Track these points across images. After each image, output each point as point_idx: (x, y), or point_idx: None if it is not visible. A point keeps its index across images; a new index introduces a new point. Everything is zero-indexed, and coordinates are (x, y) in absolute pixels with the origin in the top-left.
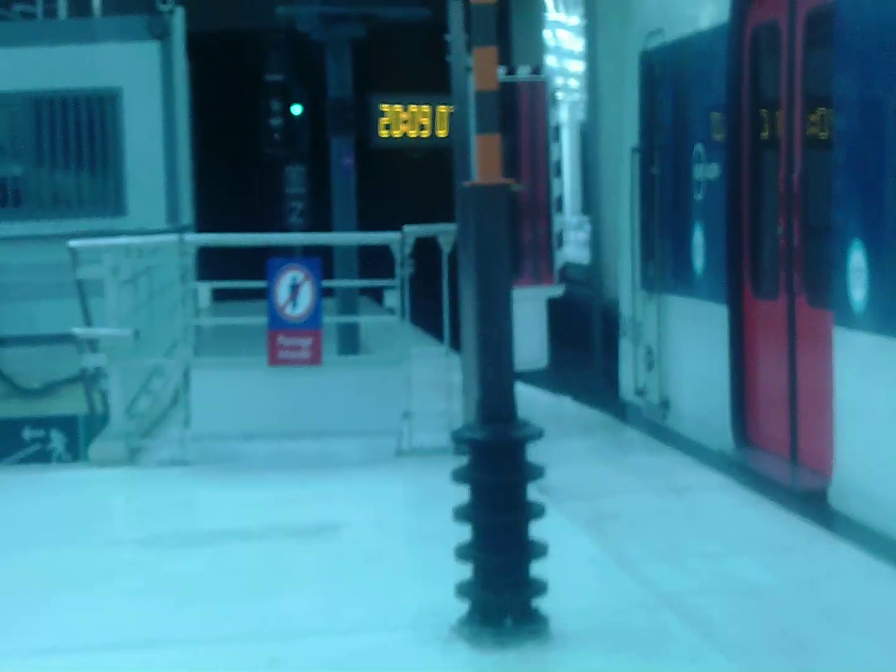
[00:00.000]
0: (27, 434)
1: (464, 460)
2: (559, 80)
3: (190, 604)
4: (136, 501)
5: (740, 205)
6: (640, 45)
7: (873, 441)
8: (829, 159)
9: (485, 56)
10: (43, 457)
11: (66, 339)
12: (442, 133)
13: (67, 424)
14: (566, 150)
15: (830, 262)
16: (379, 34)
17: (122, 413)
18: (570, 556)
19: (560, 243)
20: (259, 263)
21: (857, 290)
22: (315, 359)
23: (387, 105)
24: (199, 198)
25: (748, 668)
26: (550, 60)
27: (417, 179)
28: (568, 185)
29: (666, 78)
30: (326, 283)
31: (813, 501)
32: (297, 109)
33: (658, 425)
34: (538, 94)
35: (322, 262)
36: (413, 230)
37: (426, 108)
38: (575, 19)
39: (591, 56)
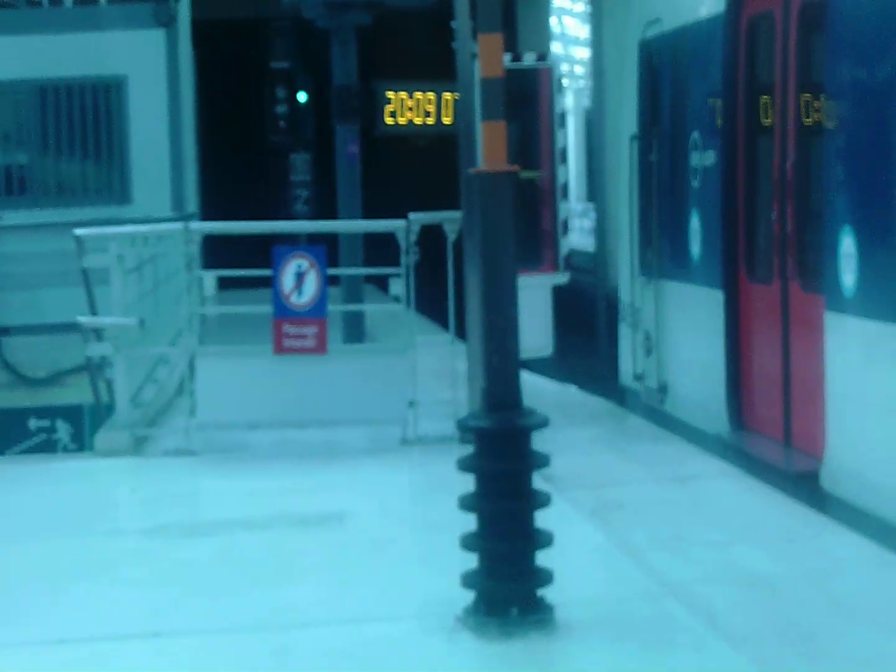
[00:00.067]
0: (33, 424)
1: (469, 449)
2: (564, 67)
3: (195, 593)
4: (141, 491)
5: (736, 192)
6: (640, 34)
7: (863, 424)
8: (821, 147)
9: (490, 43)
10: (48, 446)
11: (72, 328)
12: (447, 120)
13: (73, 414)
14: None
15: (822, 248)
16: (384, 21)
17: (128, 402)
18: (575, 545)
19: (565, 231)
20: (264, 251)
21: (848, 275)
22: (320, 347)
23: (392, 92)
24: (205, 185)
25: (753, 657)
26: (556, 47)
27: (423, 167)
28: (573, 172)
29: (664, 67)
30: (331, 271)
31: (805, 483)
32: (302, 97)
33: (656, 410)
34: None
35: (327, 249)
36: (418, 217)
37: (431, 95)
38: (580, 6)
39: (597, 43)
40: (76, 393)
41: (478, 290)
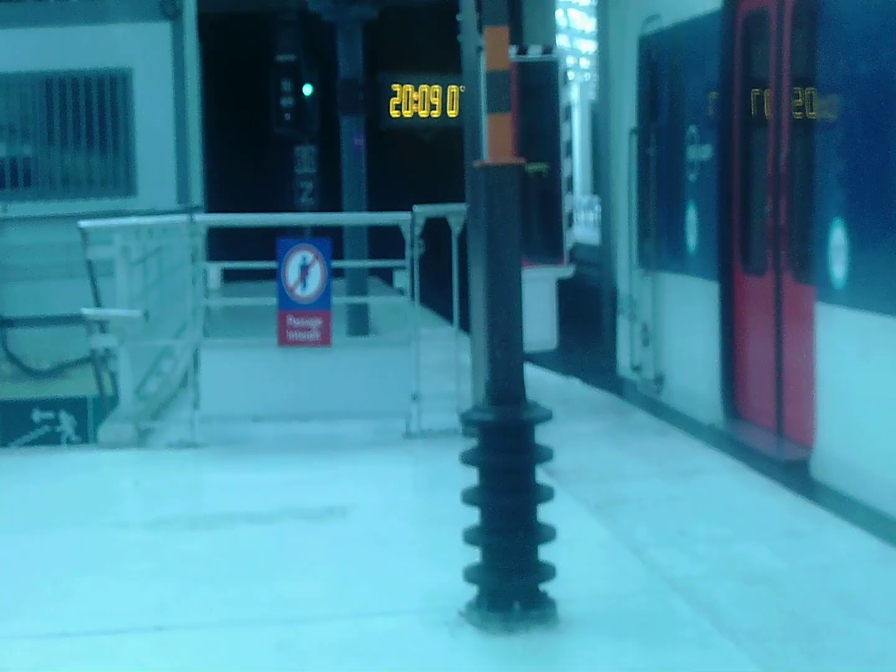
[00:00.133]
0: (36, 416)
1: (473, 442)
2: (570, 60)
3: (198, 586)
4: (144, 484)
5: (731, 185)
6: (639, 29)
7: (852, 414)
8: (813, 141)
9: (496, 36)
10: (52, 439)
11: (76, 320)
12: (453, 113)
13: (77, 406)
14: (577, 130)
15: (813, 240)
16: (390, 14)
17: (132, 395)
18: (578, 540)
19: (570, 224)
20: (269, 244)
21: (838, 266)
22: (324, 339)
23: (398, 85)
24: (210, 178)
25: (757, 653)
26: (562, 40)
27: (428, 159)
28: (578, 164)
29: (662, 62)
30: (336, 264)
31: (795, 472)
32: (307, 90)
33: (653, 400)
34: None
35: (332, 242)
36: (423, 210)
37: (437, 88)
38: None
39: (602, 36)
40: (80, 385)
41: (482, 284)
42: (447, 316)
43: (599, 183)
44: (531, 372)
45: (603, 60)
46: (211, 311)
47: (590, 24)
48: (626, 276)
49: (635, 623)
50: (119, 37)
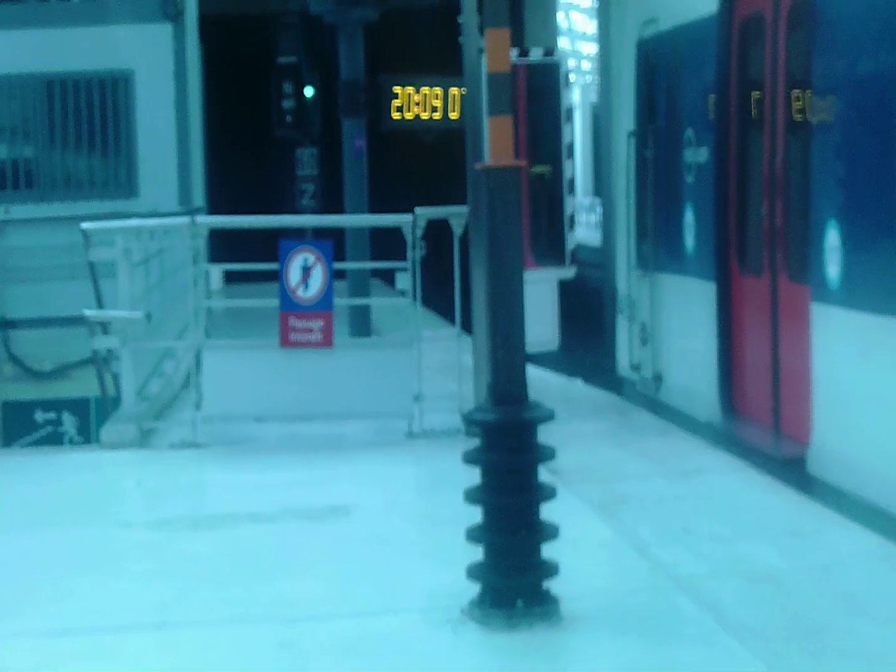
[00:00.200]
0: (39, 416)
1: (475, 442)
2: (572, 63)
3: (200, 586)
4: (147, 484)
5: (728, 187)
6: (637, 33)
7: (847, 410)
8: (808, 144)
9: (497, 38)
10: (55, 439)
11: (78, 321)
12: (454, 115)
13: (79, 407)
14: (578, 132)
15: (808, 241)
16: (391, 16)
17: (134, 395)
18: (581, 539)
19: (572, 225)
20: (271, 245)
21: (832, 267)
22: (326, 341)
23: (399, 87)
24: (211, 180)
25: (760, 652)
26: (563, 42)
27: (429, 161)
28: (580, 167)
29: (660, 65)
30: (338, 265)
31: (792, 468)
32: (309, 91)
33: (651, 399)
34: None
35: (333, 244)
36: (425, 212)
37: (438, 90)
38: (587, 1)
39: (604, 38)
40: (82, 386)
41: (484, 285)
42: (449, 317)
43: (601, 185)
44: (533, 372)
45: (604, 63)
46: (213, 312)
47: (591, 27)
48: (625, 276)
49: (638, 621)
50: (120, 38)
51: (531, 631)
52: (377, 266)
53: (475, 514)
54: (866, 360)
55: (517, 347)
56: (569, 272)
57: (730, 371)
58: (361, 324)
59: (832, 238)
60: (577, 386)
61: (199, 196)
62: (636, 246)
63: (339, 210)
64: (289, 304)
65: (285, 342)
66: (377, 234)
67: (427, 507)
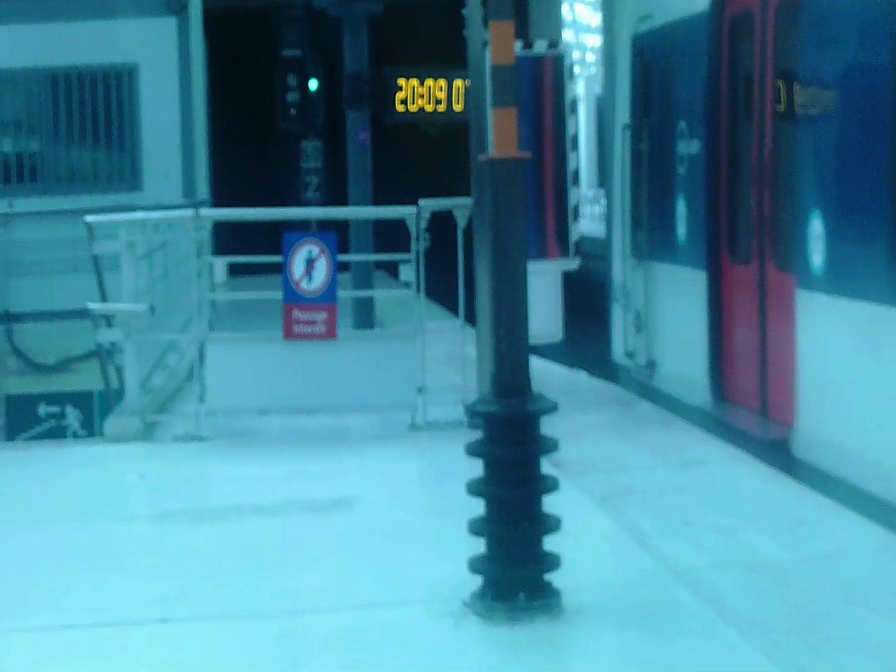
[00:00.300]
0: (42, 410)
1: (478, 434)
2: (576, 55)
3: (203, 579)
4: (150, 477)
5: (718, 178)
6: (632, 28)
7: (829, 393)
8: (794, 135)
9: (501, 30)
10: (58, 433)
11: (82, 314)
12: (458, 107)
13: (83, 400)
14: (583, 124)
15: (794, 230)
16: (395, 9)
17: (137, 388)
18: (583, 531)
19: (576, 217)
20: (274, 238)
21: (816, 254)
22: (330, 333)
23: (403, 79)
24: (215, 173)
25: (762, 643)
26: (568, 35)
27: (433, 154)
28: (584, 158)
29: (654, 60)
30: (342, 258)
31: (778, 450)
32: (313, 84)
33: (645, 385)
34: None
35: (337, 236)
36: (428, 204)
37: (442, 83)
38: None
39: (608, 31)
40: (86, 379)
41: (487, 277)
42: (453, 309)
43: (605, 176)
44: (537, 364)
45: (608, 55)
46: (216, 305)
47: (595, 19)
48: (621, 265)
49: (640, 613)
50: (124, 32)
51: (533, 624)
52: (381, 258)
53: (478, 506)
54: (848, 345)
55: (520, 339)
56: (573, 263)
57: (720, 357)
58: (365, 316)
59: (816, 226)
60: (581, 378)
61: (203, 189)
62: (631, 236)
63: (343, 202)
64: (292, 297)
65: (289, 334)
66: (381, 226)
67: (430, 500)
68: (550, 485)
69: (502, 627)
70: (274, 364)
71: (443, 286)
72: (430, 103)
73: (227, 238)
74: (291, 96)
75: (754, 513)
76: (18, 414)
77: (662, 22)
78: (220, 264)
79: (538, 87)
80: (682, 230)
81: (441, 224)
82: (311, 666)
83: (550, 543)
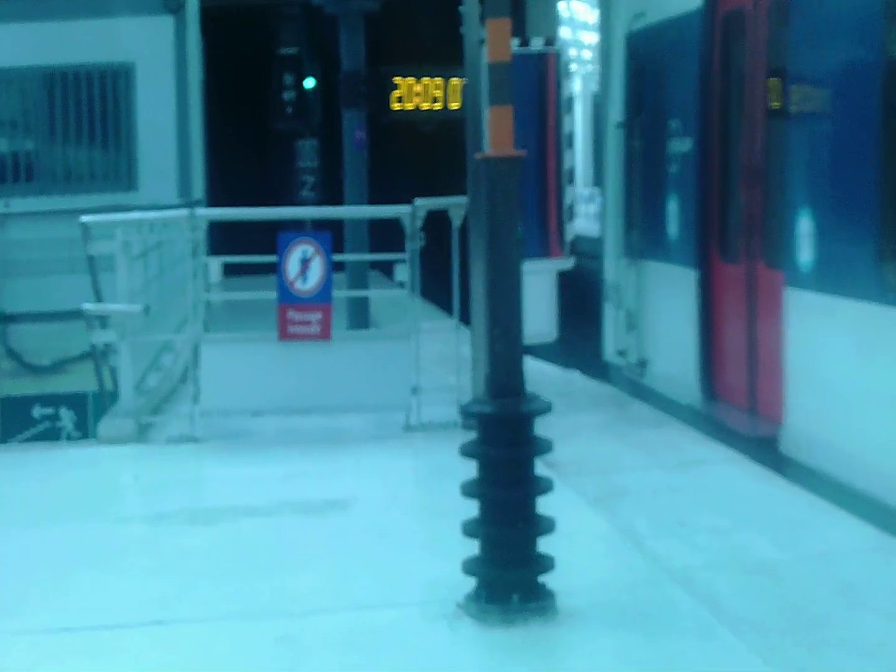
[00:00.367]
0: (37, 412)
1: (472, 435)
2: (573, 52)
3: (199, 581)
4: (145, 478)
5: (709, 176)
6: (626, 26)
7: (816, 391)
8: (783, 134)
9: (498, 27)
10: (52, 434)
11: (77, 315)
12: (455, 105)
13: (77, 402)
14: (579, 122)
15: (782, 228)
16: (392, 6)
17: (132, 390)
18: (577, 532)
19: (571, 216)
20: (270, 238)
21: (803, 253)
22: (325, 333)
23: (400, 78)
24: (211, 172)
25: (757, 644)
26: (564, 32)
27: (430, 152)
28: (580, 157)
29: (647, 58)
30: (337, 258)
31: (766, 447)
32: (309, 83)
33: (637, 383)
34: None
35: (332, 235)
36: (424, 203)
37: (439, 81)
38: None
39: (604, 28)
40: (80, 380)
41: (482, 276)
42: (447, 309)
43: (601, 175)
44: (531, 364)
45: (605, 52)
46: (212, 305)
47: (592, 16)
48: (612, 264)
49: (635, 614)
50: (121, 31)
51: (527, 626)
52: (376, 258)
53: (473, 507)
54: (835, 342)
55: (515, 339)
56: (568, 263)
57: (710, 355)
58: (360, 316)
59: (803, 225)
60: (575, 378)
61: (198, 189)
62: (623, 234)
63: (339, 202)
64: (287, 297)
65: (284, 335)
66: (376, 225)
67: (425, 500)
68: (545, 486)
69: (496, 629)
70: (269, 365)
71: (438, 286)
72: (426, 101)
73: (223, 238)
74: (288, 95)
75: (749, 513)
76: (13, 416)
77: (655, 20)
78: (216, 264)
79: (537, 84)
80: (673, 229)
81: (436, 223)
82: (307, 667)
83: (545, 545)
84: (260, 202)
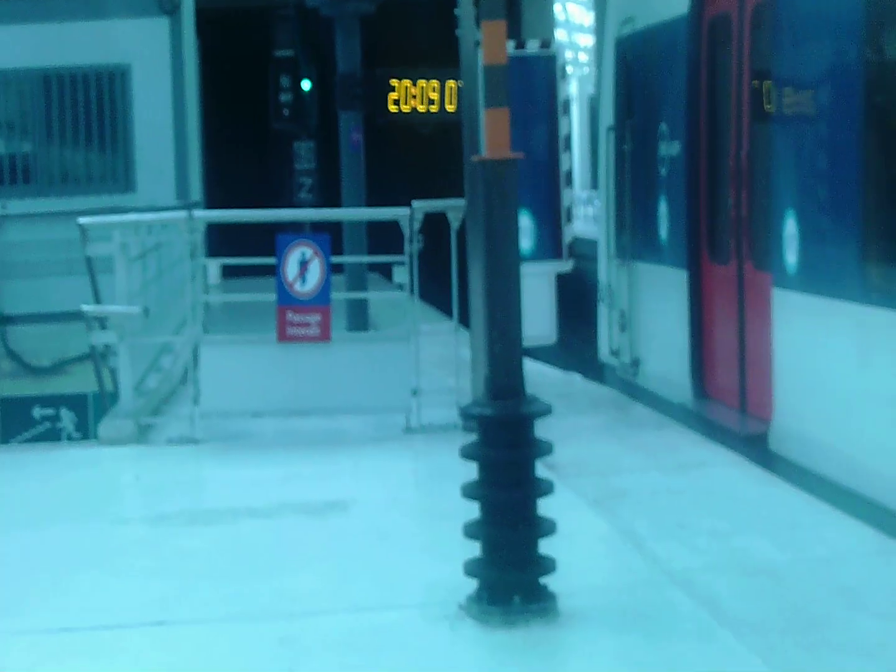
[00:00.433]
0: (37, 412)
1: (472, 437)
2: (569, 55)
3: (199, 582)
4: (144, 479)
5: (698, 179)
6: (616, 31)
7: (803, 388)
8: (769, 137)
9: (494, 30)
10: (53, 435)
11: (76, 316)
12: (451, 107)
13: (77, 403)
14: (576, 125)
15: (769, 230)
16: (388, 9)
17: (132, 391)
18: (578, 534)
19: (569, 218)
20: (268, 240)
21: (791, 254)
22: (324, 335)
23: (396, 80)
24: (209, 174)
25: (758, 646)
26: (560, 34)
27: (426, 154)
28: (577, 159)
29: (636, 62)
30: (335, 259)
31: (755, 445)
32: (306, 85)
33: (630, 383)
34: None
35: (331, 237)
36: (422, 205)
37: (435, 83)
38: None
39: (600, 31)
40: (80, 381)
41: (481, 278)
42: (447, 311)
43: (598, 178)
44: (531, 366)
45: (601, 55)
46: (210, 307)
47: (588, 18)
48: (606, 265)
49: (635, 616)
50: (117, 33)
51: (528, 627)
52: (375, 260)
53: (473, 509)
54: (821, 342)
55: (514, 341)
56: (566, 265)
57: (700, 355)
58: (359, 318)
59: (790, 227)
60: (575, 380)
61: (196, 190)
62: (615, 236)
63: (336, 204)
64: (286, 299)
65: (283, 336)
66: (375, 227)
67: (425, 502)
68: (545, 488)
69: (498, 631)
70: (268, 366)
71: (436, 288)
72: (423, 104)
73: (221, 240)
74: (284, 97)
75: (748, 515)
76: (13, 417)
77: (644, 25)
78: (214, 266)
79: (534, 86)
80: (663, 230)
81: (435, 225)
82: (308, 668)
83: (545, 546)
84: (258, 204)
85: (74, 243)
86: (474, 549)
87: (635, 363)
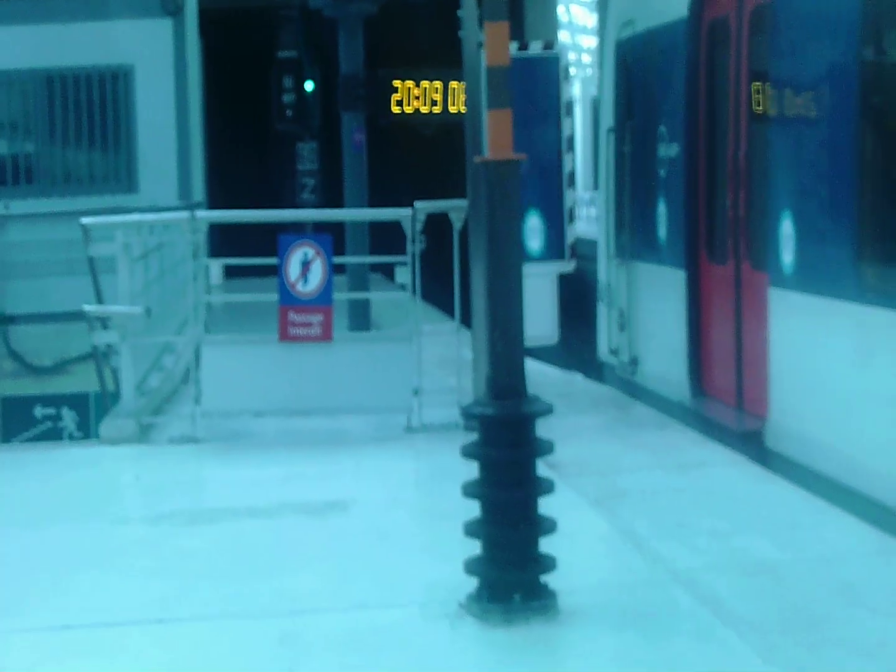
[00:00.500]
0: (38, 412)
1: (473, 436)
2: (572, 56)
3: (199, 581)
4: (146, 479)
5: (697, 180)
6: (616, 34)
7: (798, 386)
8: (766, 138)
9: (497, 31)
10: (54, 434)
11: (78, 316)
12: (454, 109)
13: (79, 402)
14: (579, 126)
15: (766, 230)
16: (391, 10)
17: (133, 390)
18: (579, 533)
19: (571, 219)
20: (270, 240)
21: (787, 254)
22: (326, 335)
23: (399, 81)
24: (211, 174)
25: (758, 645)
26: (563, 36)
27: (429, 155)
28: (580, 160)
29: (636, 65)
30: (337, 259)
31: (751, 441)
32: (309, 86)
33: (628, 381)
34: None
35: (333, 238)
36: (424, 206)
37: (438, 84)
38: None
39: (602, 34)
40: (82, 381)
41: (483, 279)
42: (448, 311)
43: (598, 178)
44: (532, 366)
45: (602, 57)
46: (212, 307)
47: (591, 20)
48: (605, 265)
49: (636, 615)
50: (120, 33)
51: (529, 625)
52: (377, 260)
53: (474, 508)
54: (816, 340)
55: (516, 341)
56: (568, 266)
57: (698, 353)
58: (361, 318)
59: (787, 227)
60: (576, 380)
61: (199, 191)
62: (615, 236)
63: (339, 204)
64: (288, 299)
65: (284, 336)
66: (377, 228)
67: (426, 502)
68: (546, 487)
69: (498, 629)
70: (270, 366)
71: (438, 288)
72: (425, 105)
73: (223, 240)
74: (287, 98)
75: (749, 514)
76: (14, 416)
77: (643, 28)
78: (216, 266)
79: (537, 88)
80: (662, 231)
81: (437, 226)
82: (308, 667)
83: (546, 545)
84: (260, 204)
85: (77, 243)
86: (475, 548)
87: (634, 362)
